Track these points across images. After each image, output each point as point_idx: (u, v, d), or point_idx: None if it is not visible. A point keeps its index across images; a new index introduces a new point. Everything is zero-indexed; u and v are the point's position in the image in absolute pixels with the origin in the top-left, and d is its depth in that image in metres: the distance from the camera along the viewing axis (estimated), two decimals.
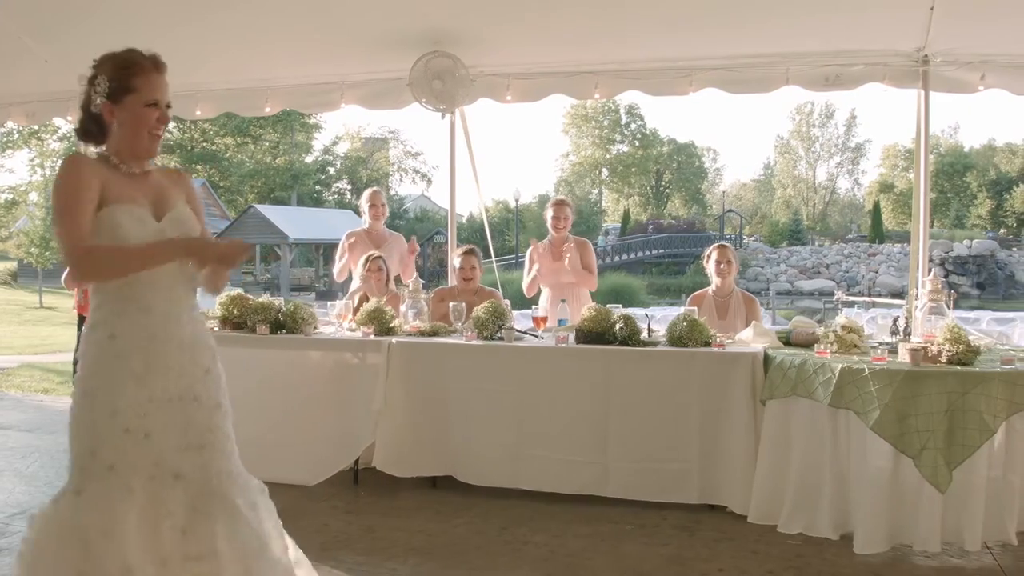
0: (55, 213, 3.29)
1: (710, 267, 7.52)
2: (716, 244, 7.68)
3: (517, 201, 59.57)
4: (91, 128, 3.45)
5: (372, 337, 6.65)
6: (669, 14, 6.97)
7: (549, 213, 8.21)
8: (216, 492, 3.44)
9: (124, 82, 3.37)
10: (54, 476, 7.09)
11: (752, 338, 6.42)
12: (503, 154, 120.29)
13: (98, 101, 3.38)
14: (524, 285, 8.26)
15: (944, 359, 5.38)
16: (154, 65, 3.45)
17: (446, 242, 8.85)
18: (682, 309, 6.66)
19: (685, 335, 6.18)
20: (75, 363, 3.50)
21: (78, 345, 3.49)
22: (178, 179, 3.68)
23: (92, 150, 3.50)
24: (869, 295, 42.80)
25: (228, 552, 3.38)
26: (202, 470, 3.43)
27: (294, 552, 3.85)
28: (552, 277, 8.09)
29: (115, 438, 3.29)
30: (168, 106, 3.50)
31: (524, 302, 8.46)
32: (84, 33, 7.26)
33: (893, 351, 5.69)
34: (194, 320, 3.56)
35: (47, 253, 39.23)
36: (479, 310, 6.60)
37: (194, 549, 3.34)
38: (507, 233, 62.18)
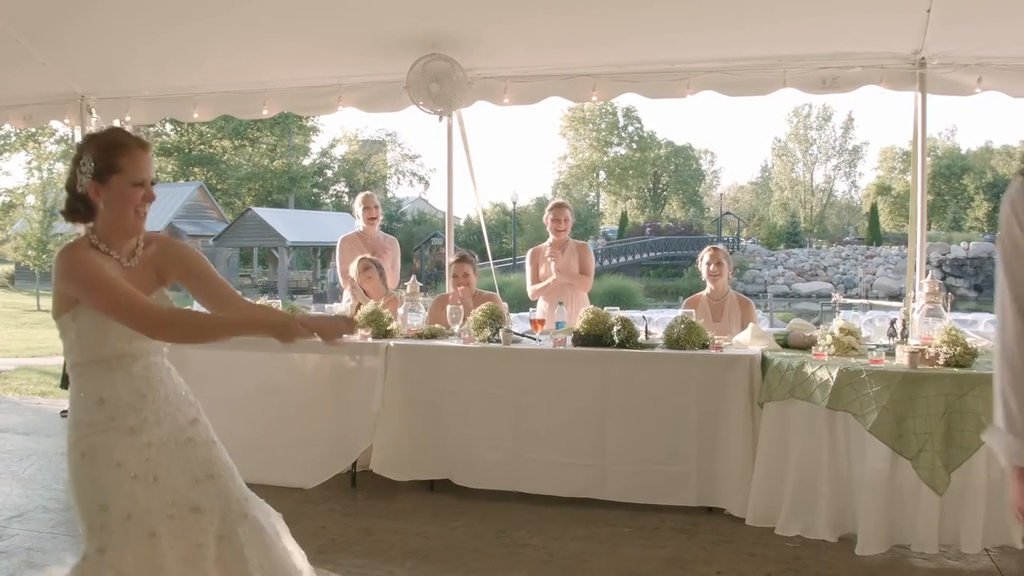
0: (99, 304, 3.24)
1: (702, 270, 7.53)
2: (708, 247, 7.68)
3: (515, 204, 59.54)
4: (78, 207, 3.39)
5: (370, 340, 6.65)
6: (666, 17, 6.98)
7: (549, 217, 8.20)
8: (238, 515, 3.45)
9: (110, 162, 3.30)
10: (51, 479, 7.09)
11: (750, 340, 6.42)
12: (500, 157, 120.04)
13: (84, 181, 3.32)
14: (531, 290, 8.24)
15: (942, 361, 5.39)
16: (139, 144, 3.39)
17: (443, 245, 8.84)
18: (679, 312, 6.67)
19: (683, 337, 6.18)
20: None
21: None
22: (168, 248, 3.61)
23: (79, 230, 3.49)
24: (867, 297, 42.88)
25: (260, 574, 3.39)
26: (220, 498, 3.43)
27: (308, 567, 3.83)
28: (552, 286, 8.08)
29: (124, 487, 3.25)
30: (153, 183, 3.45)
31: (522, 305, 8.46)
32: (82, 37, 7.27)
33: (891, 353, 5.69)
34: (172, 379, 3.56)
35: (44, 256, 39.15)
36: (477, 312, 6.60)
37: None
38: (504, 236, 62.11)
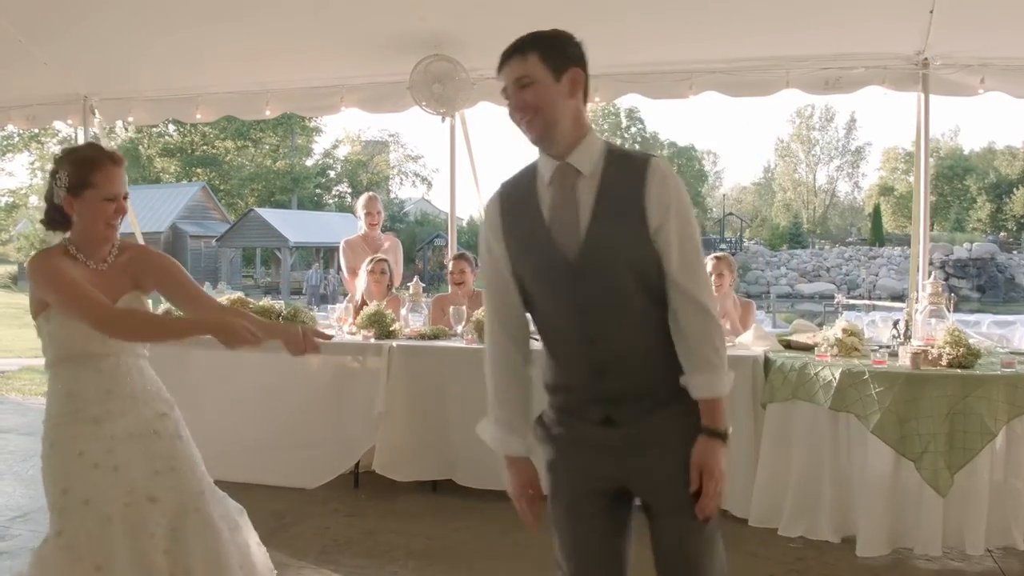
0: (60, 304, 3.42)
1: None
2: (712, 255, 7.67)
3: None
4: (56, 217, 3.57)
5: (373, 341, 6.66)
6: (668, 18, 6.97)
7: None
8: (191, 509, 3.54)
9: (84, 178, 3.45)
10: None
11: (752, 341, 6.42)
12: (503, 157, 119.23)
13: (59, 194, 3.49)
14: None
15: (945, 362, 5.39)
16: (112, 160, 3.53)
17: (446, 246, 8.83)
18: None
19: None
20: None
21: None
22: (141, 256, 3.75)
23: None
24: (869, 298, 42.78)
25: (204, 570, 3.47)
26: (175, 491, 3.54)
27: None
28: None
29: (85, 474, 3.41)
30: (125, 197, 3.58)
31: None
32: (85, 37, 7.28)
33: (894, 354, 5.70)
34: (144, 378, 3.66)
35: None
36: (479, 313, 6.59)
37: (178, 568, 3.44)
38: None
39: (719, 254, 7.69)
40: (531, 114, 2.80)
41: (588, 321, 2.82)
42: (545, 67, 2.82)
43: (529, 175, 2.92)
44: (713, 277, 7.34)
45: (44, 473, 3.49)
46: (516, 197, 2.93)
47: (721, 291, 7.37)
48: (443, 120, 8.13)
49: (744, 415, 5.91)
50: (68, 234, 3.58)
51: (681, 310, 2.78)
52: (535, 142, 2.87)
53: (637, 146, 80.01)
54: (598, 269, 2.78)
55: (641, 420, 2.82)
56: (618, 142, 79.38)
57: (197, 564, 3.45)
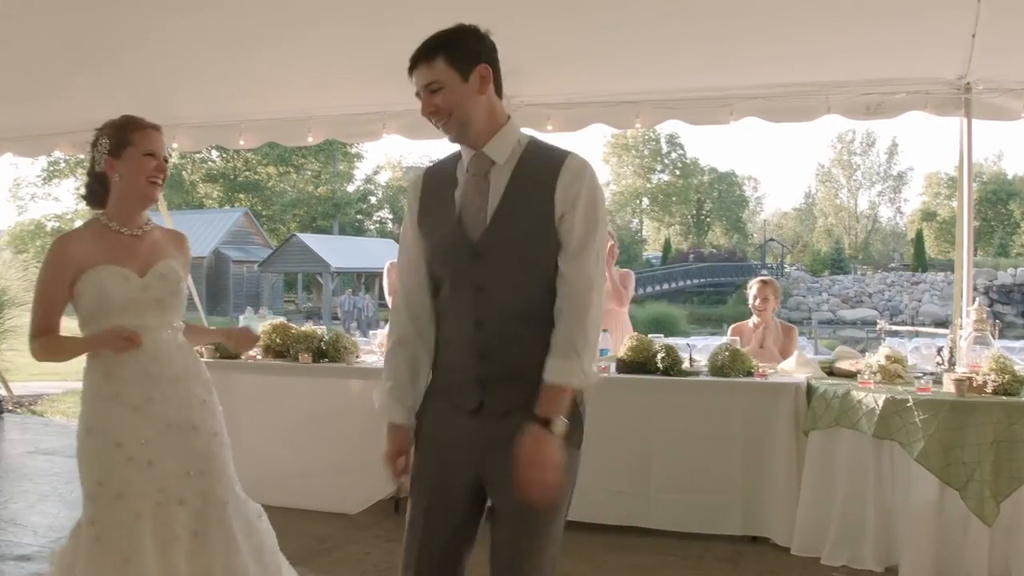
0: (34, 294, 3.62)
1: (751, 300, 7.48)
2: (758, 278, 7.64)
3: None
4: (96, 189, 3.71)
5: None
6: (709, 44, 6.96)
7: None
8: (214, 517, 3.62)
9: (123, 137, 3.60)
10: None
11: (795, 368, 6.38)
12: None
13: (100, 159, 3.63)
14: None
15: (990, 389, 5.33)
16: (150, 124, 3.69)
17: None
18: (724, 339, 6.64)
19: (727, 365, 6.16)
20: None
21: None
22: (177, 241, 3.93)
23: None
24: (912, 324, 42.41)
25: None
26: (202, 495, 3.62)
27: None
28: None
29: (120, 467, 3.50)
30: (166, 160, 3.71)
31: None
32: (130, 66, 7.36)
33: (938, 381, 5.64)
34: (184, 355, 3.75)
35: None
36: None
37: (197, 573, 3.53)
38: None
39: (765, 278, 7.69)
40: (444, 117, 2.89)
41: (482, 302, 2.90)
42: (452, 69, 2.87)
43: (452, 161, 3.06)
44: (758, 301, 7.32)
45: (80, 457, 3.60)
46: (436, 180, 3.06)
47: (765, 316, 7.34)
48: None
49: (786, 442, 5.88)
50: (102, 212, 3.71)
51: (562, 295, 2.85)
52: (453, 140, 2.98)
53: (678, 171, 79.97)
54: (497, 252, 2.87)
55: (505, 416, 2.86)
56: (658, 168, 79.54)
57: (216, 573, 3.55)
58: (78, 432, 3.61)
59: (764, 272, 55.92)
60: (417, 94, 2.94)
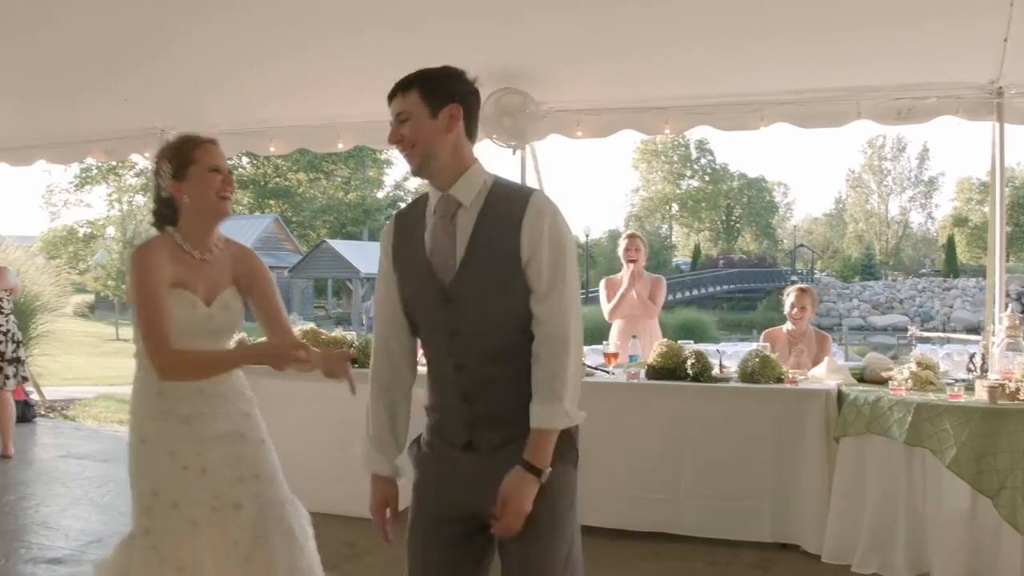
0: (136, 310, 3.44)
1: (786, 308, 7.43)
2: (796, 286, 7.60)
3: (587, 236, 59.57)
4: (165, 213, 3.64)
5: None
6: (739, 50, 6.94)
7: (622, 245, 8.25)
8: (273, 517, 3.63)
9: (184, 158, 3.57)
10: (128, 505, 7.20)
11: (825, 374, 6.35)
12: (573, 189, 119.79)
13: (165, 185, 3.59)
14: (606, 310, 8.25)
15: (1022, 396, 5.28)
16: (207, 138, 3.65)
17: None
18: (754, 345, 6.61)
19: (757, 371, 6.13)
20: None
21: None
22: (243, 257, 3.87)
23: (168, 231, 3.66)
24: (944, 331, 42.12)
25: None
26: (258, 498, 3.62)
27: None
28: (625, 309, 8.10)
29: (175, 477, 3.48)
30: (230, 173, 3.69)
31: (595, 338, 8.44)
32: (162, 73, 7.42)
33: (970, 388, 5.60)
34: (231, 374, 3.72)
35: (123, 286, 39.87)
36: None
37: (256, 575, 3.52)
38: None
39: (803, 286, 7.63)
40: (408, 147, 2.94)
41: (458, 347, 2.93)
42: (424, 103, 2.94)
43: (422, 204, 3.07)
44: (795, 310, 7.27)
45: (132, 468, 3.57)
46: (407, 223, 3.09)
47: (801, 324, 7.30)
48: (513, 152, 8.16)
49: (817, 449, 5.85)
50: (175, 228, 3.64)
51: (539, 338, 2.86)
52: (414, 173, 3.01)
53: (707, 177, 79.77)
54: (469, 296, 2.90)
55: (497, 450, 2.90)
56: (688, 173, 79.41)
57: (281, 570, 3.55)
58: (130, 444, 3.60)
59: (794, 279, 55.73)
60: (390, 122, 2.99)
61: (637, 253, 8.14)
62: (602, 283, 8.50)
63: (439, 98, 2.95)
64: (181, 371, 3.46)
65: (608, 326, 8.26)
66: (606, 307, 8.24)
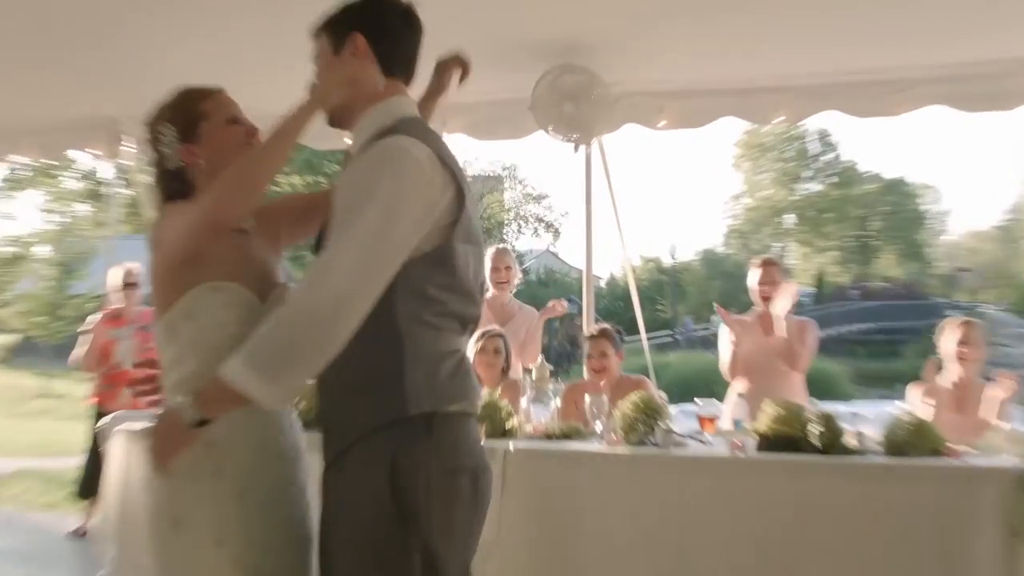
0: (193, 231, 3.38)
1: (946, 347, 7.34)
2: (960, 319, 7.51)
3: (673, 258, 59.47)
4: (174, 185, 3.63)
5: (483, 442, 6.64)
6: (875, 12, 6.88)
7: (755, 276, 8.14)
8: None
9: (191, 114, 3.61)
10: None
11: (1001, 444, 6.27)
12: (655, 197, 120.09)
13: (171, 154, 3.59)
14: (724, 365, 8.20)
15: None
16: (212, 87, 3.74)
17: (579, 314, 8.75)
18: (904, 405, 6.55)
19: (909, 441, 6.05)
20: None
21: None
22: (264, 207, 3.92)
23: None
24: None
25: None
26: None
27: None
28: (759, 358, 8.01)
29: (223, 574, 3.31)
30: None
31: (684, 395, 8.39)
32: (118, 47, 7.46)
33: None
34: (294, 427, 3.67)
35: (56, 324, 39.88)
36: (625, 405, 6.54)
37: None
38: (660, 301, 61.82)
39: (967, 319, 7.54)
40: None
41: None
42: (329, 42, 3.28)
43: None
44: (964, 349, 7.20)
45: (161, 562, 3.39)
46: None
47: (970, 367, 7.21)
48: (576, 149, 8.16)
49: (991, 548, 5.75)
50: None
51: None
52: (329, 124, 3.46)
53: (833, 180, 79.32)
54: None
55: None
56: (807, 174, 79.17)
57: None
58: (157, 527, 3.39)
59: (949, 313, 55.33)
60: None
61: (773, 287, 8.04)
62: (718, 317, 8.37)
63: (340, 33, 3.24)
64: (240, 189, 3.39)
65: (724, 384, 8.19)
66: (724, 354, 8.16)
